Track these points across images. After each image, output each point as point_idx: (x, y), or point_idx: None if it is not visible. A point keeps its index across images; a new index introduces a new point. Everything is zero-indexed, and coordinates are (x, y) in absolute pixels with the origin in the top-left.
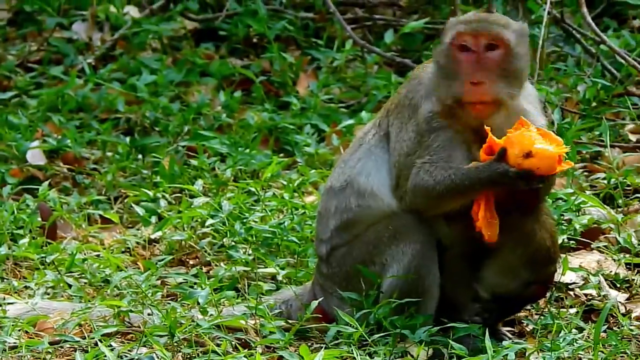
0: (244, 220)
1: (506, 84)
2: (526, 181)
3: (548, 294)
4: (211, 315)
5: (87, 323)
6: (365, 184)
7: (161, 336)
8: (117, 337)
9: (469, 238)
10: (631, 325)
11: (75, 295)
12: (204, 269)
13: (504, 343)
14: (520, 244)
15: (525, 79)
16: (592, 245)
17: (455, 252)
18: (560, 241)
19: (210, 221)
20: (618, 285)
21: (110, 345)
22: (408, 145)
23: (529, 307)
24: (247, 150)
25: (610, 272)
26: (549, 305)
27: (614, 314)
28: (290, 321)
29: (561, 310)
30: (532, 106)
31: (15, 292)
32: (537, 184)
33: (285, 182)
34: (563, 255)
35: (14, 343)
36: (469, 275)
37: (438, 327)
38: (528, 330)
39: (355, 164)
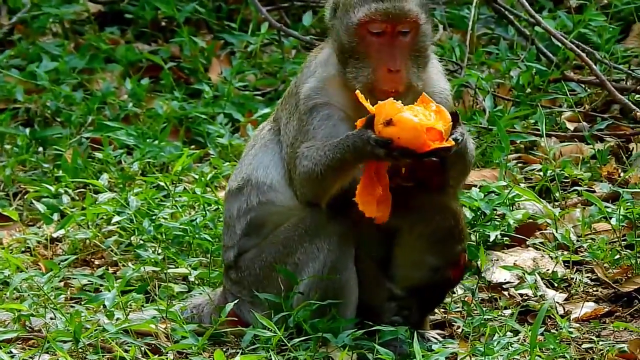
0: (153, 217)
1: (417, 66)
2: (386, 150)
3: (464, 277)
4: (118, 319)
5: None
6: (264, 177)
7: (65, 342)
8: (18, 343)
9: (372, 233)
10: (570, 327)
11: None
12: (111, 270)
13: (434, 347)
14: (417, 223)
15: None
16: (527, 242)
17: (363, 252)
18: (493, 237)
19: (116, 218)
20: (555, 285)
21: (10, 352)
22: (292, 134)
23: (460, 308)
24: (156, 142)
25: (547, 270)
26: (480, 306)
27: (552, 315)
28: (203, 325)
29: (495, 311)
30: (434, 73)
31: None
32: (400, 156)
33: (196, 176)
34: (496, 252)
35: None
36: (380, 275)
37: (362, 331)
38: (459, 333)
39: (251, 161)
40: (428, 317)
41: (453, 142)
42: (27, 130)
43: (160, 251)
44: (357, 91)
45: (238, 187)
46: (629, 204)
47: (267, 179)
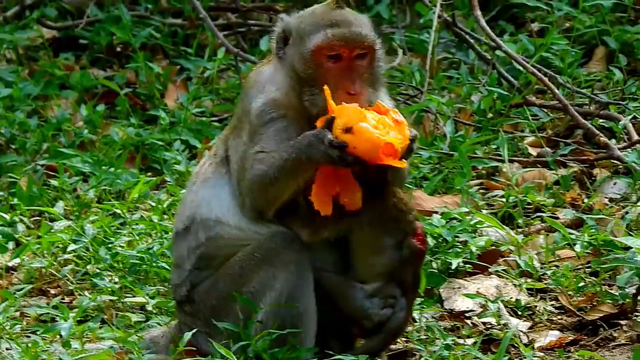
0: (110, 246)
1: (373, 88)
2: (340, 154)
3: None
4: (75, 349)
5: None
6: (208, 212)
7: None
8: None
9: (324, 247)
10: (534, 356)
11: None
12: (67, 299)
13: None
14: (363, 213)
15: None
16: (490, 270)
17: (321, 267)
18: (455, 265)
19: (72, 247)
20: (519, 313)
21: None
22: (243, 148)
23: (421, 336)
24: (112, 169)
25: (511, 298)
26: (444, 334)
27: (516, 344)
28: (161, 356)
29: (457, 340)
30: (383, 95)
31: None
32: (353, 163)
33: (153, 204)
34: (459, 280)
35: None
36: (348, 281)
37: None
38: None
39: (193, 198)
40: (385, 348)
41: (405, 164)
42: None
43: (117, 280)
44: (325, 86)
45: (184, 227)
46: (593, 230)
47: (212, 214)
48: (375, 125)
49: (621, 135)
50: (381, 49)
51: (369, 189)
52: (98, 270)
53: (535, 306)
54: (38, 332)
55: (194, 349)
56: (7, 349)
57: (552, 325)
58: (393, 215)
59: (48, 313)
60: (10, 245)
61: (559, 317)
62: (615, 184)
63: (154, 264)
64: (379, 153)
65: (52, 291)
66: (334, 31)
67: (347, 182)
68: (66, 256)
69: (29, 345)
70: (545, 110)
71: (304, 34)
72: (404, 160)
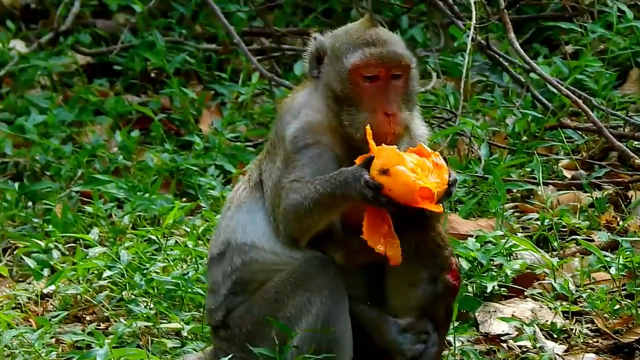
0: (145, 271)
1: (408, 109)
2: (374, 194)
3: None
4: None
5: None
6: (243, 237)
7: None
8: None
9: (358, 277)
10: None
11: None
12: (102, 325)
13: None
14: (401, 244)
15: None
16: (525, 293)
17: (355, 298)
18: (490, 288)
19: (107, 273)
20: (555, 336)
21: None
22: (278, 174)
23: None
24: (147, 195)
25: (546, 321)
26: (479, 358)
27: None
28: None
29: None
30: (416, 117)
31: None
32: (387, 205)
33: (188, 229)
34: (494, 304)
35: None
36: (380, 314)
37: None
38: None
39: (228, 223)
40: None
41: (441, 208)
42: (16, 185)
43: (152, 306)
44: (368, 126)
45: (219, 252)
46: (628, 252)
47: (247, 239)
48: (414, 168)
49: None
50: (416, 69)
51: (407, 219)
52: (133, 296)
53: (571, 329)
54: (74, 359)
55: None
56: None
57: (588, 348)
58: (430, 249)
59: (83, 339)
60: (46, 272)
61: (594, 339)
62: None
63: (189, 290)
64: (414, 196)
65: (88, 317)
66: (370, 50)
67: (390, 225)
68: (101, 282)
69: None
70: (579, 132)
71: (339, 52)
72: (440, 204)
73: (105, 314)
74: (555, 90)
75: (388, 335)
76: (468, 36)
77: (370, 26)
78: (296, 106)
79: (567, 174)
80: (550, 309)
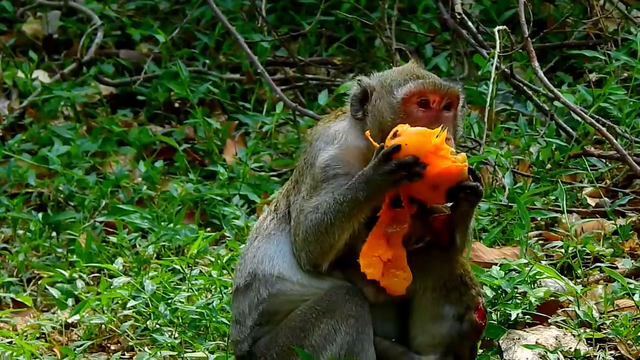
0: (169, 301)
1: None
2: (397, 164)
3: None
4: None
5: None
6: (270, 268)
7: None
8: None
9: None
10: None
11: None
12: (127, 355)
13: None
14: (428, 278)
15: None
16: (549, 320)
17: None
18: (514, 316)
19: (132, 302)
20: None
21: None
22: (300, 202)
23: None
24: (171, 225)
25: (570, 348)
26: None
27: None
28: None
29: None
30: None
31: None
32: (413, 165)
33: (213, 259)
34: (518, 331)
35: None
36: (405, 351)
37: None
38: None
39: (255, 253)
40: None
41: (466, 164)
42: (40, 215)
43: (177, 335)
44: (367, 132)
45: (246, 284)
46: None
47: (274, 270)
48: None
49: None
50: (463, 102)
51: (436, 254)
52: (158, 326)
53: (595, 356)
54: None
55: None
56: None
57: None
58: (458, 287)
59: None
60: (70, 302)
61: None
62: None
63: (214, 319)
64: (429, 140)
65: (112, 347)
66: (424, 81)
67: (399, 257)
68: (126, 312)
69: None
70: (603, 160)
71: (391, 86)
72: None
73: (130, 344)
74: (579, 119)
75: None
76: (492, 65)
77: (418, 66)
78: (331, 134)
79: (591, 201)
80: (574, 336)
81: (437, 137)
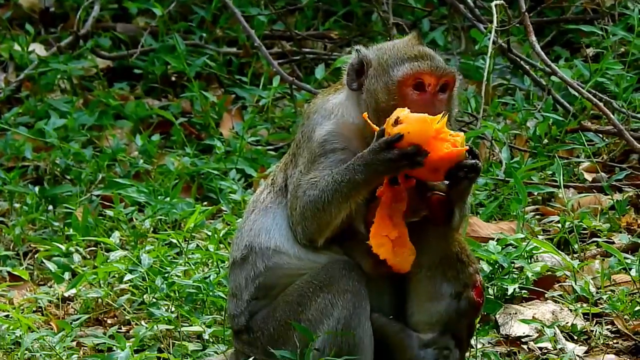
0: (166, 275)
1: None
2: (398, 151)
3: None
4: None
5: None
6: (267, 241)
7: None
8: None
9: (381, 287)
10: None
11: None
12: (123, 328)
13: None
14: (425, 255)
15: None
16: (546, 295)
17: (377, 310)
18: (511, 291)
19: (128, 276)
20: (575, 338)
21: None
22: (297, 176)
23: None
24: (168, 199)
25: (567, 323)
26: None
27: None
28: None
29: None
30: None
31: None
32: (413, 156)
33: (209, 233)
34: (515, 306)
35: None
36: (403, 328)
37: None
38: None
39: (251, 227)
40: None
41: (466, 147)
42: (37, 189)
43: (173, 309)
44: (364, 113)
45: (242, 257)
46: None
47: (271, 243)
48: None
49: None
50: (458, 87)
51: (432, 231)
52: (154, 300)
53: (592, 331)
54: None
55: None
56: None
57: (608, 350)
58: (454, 264)
59: (105, 343)
60: (67, 275)
61: (615, 341)
62: None
63: (211, 293)
64: (430, 127)
65: (109, 321)
66: (419, 63)
67: (402, 234)
68: (122, 286)
69: None
70: (600, 135)
71: (387, 65)
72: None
73: (127, 317)
74: (576, 93)
75: (409, 350)
76: (489, 39)
77: (418, 43)
78: (329, 107)
79: (588, 176)
80: (570, 310)
81: (437, 122)
